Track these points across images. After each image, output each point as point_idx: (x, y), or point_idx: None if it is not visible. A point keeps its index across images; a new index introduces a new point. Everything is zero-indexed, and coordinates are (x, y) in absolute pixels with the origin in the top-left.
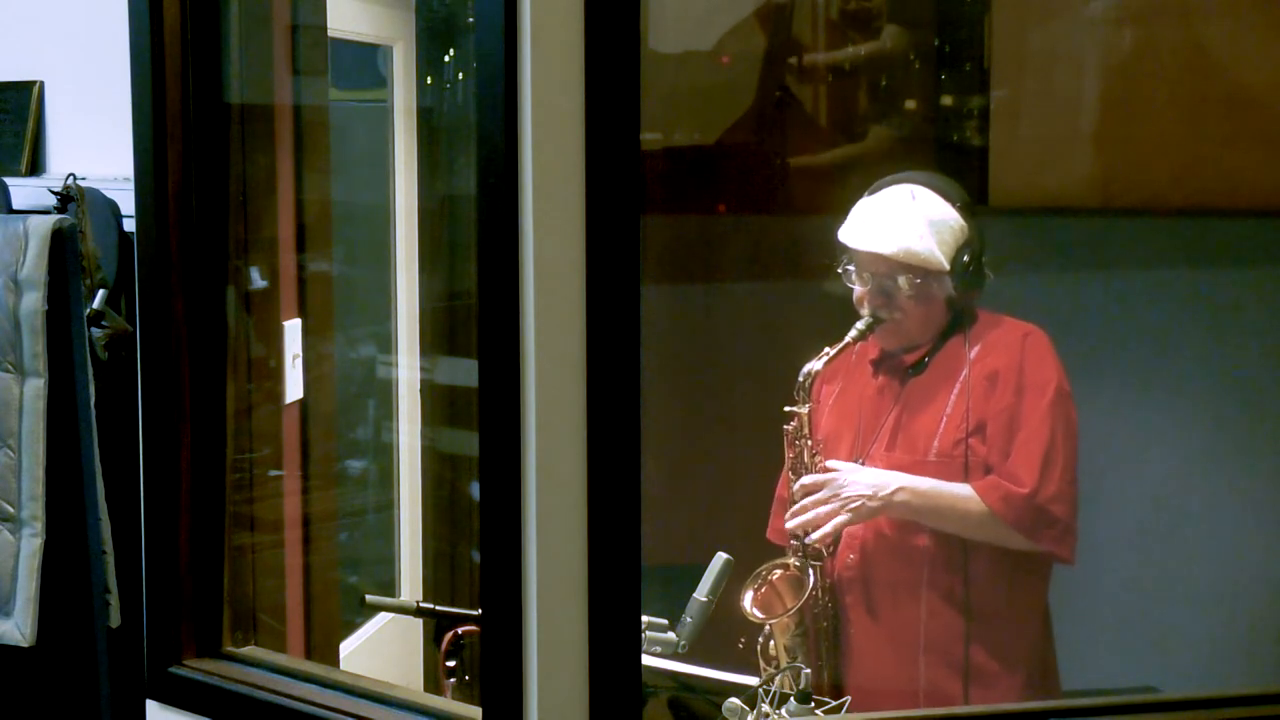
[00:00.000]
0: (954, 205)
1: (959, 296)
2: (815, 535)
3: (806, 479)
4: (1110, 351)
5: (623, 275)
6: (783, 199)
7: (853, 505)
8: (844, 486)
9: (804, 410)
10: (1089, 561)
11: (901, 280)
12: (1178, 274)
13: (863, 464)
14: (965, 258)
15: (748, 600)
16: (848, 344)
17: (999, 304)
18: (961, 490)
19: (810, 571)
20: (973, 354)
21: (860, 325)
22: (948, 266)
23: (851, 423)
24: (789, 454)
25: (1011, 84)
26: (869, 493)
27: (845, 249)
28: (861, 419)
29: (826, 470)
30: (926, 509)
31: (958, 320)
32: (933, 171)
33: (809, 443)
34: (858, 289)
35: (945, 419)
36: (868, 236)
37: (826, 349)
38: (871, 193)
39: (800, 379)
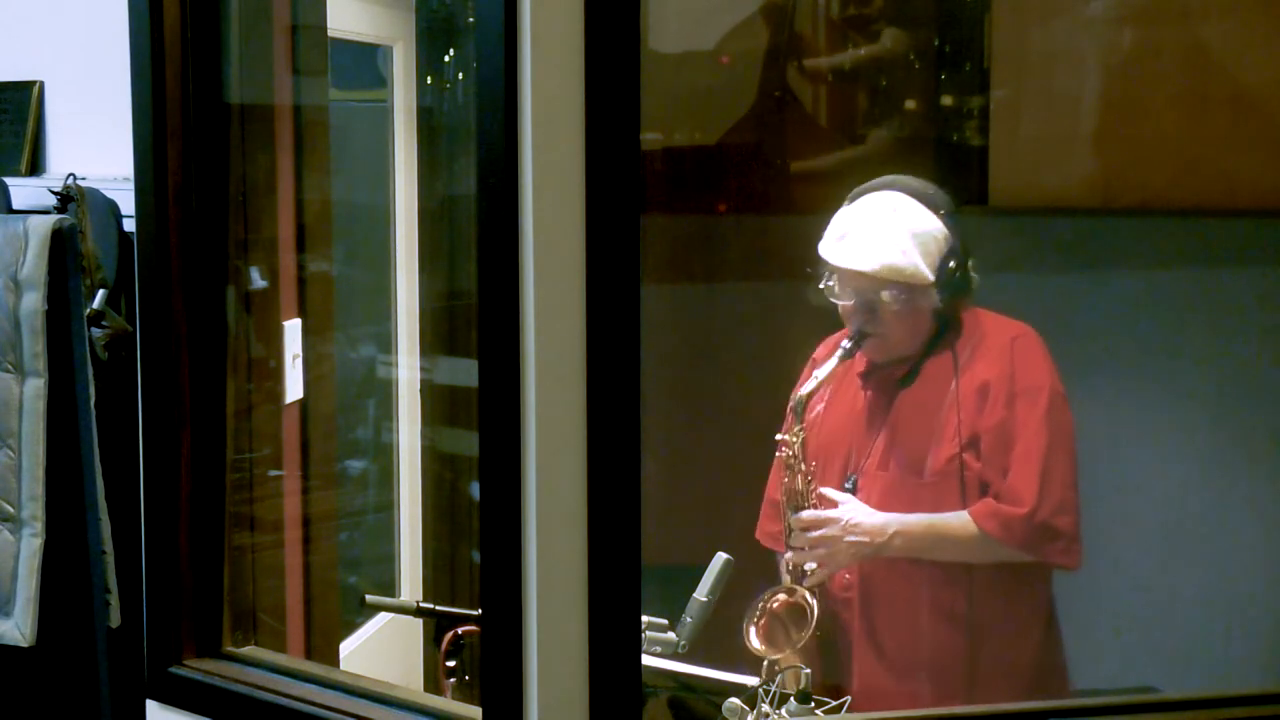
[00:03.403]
0: (937, 213)
1: (945, 306)
2: (811, 580)
3: (805, 515)
4: (1110, 352)
5: (623, 275)
6: (783, 199)
7: (852, 551)
8: (844, 532)
9: (796, 439)
10: (1090, 562)
11: (885, 295)
12: (1178, 274)
13: (856, 481)
14: (950, 266)
15: (752, 635)
16: (835, 365)
17: (997, 304)
18: (957, 519)
19: (813, 600)
20: (961, 362)
21: (846, 344)
22: (932, 278)
23: (843, 437)
24: (783, 478)
25: (1011, 84)
26: (865, 539)
27: (827, 263)
28: (853, 433)
29: (822, 498)
30: (925, 546)
31: (945, 328)
32: (916, 175)
33: (803, 468)
34: (841, 303)
35: (938, 435)
36: (848, 254)
37: (815, 372)
38: (851, 200)
39: (791, 404)
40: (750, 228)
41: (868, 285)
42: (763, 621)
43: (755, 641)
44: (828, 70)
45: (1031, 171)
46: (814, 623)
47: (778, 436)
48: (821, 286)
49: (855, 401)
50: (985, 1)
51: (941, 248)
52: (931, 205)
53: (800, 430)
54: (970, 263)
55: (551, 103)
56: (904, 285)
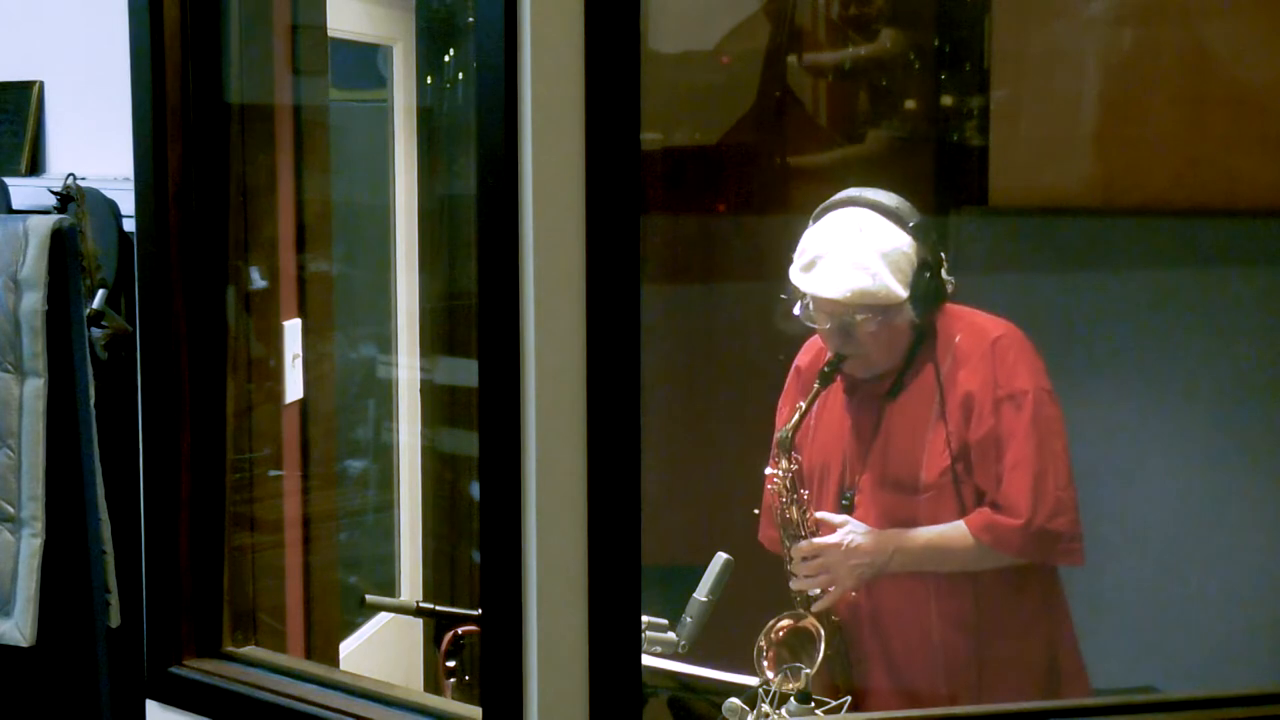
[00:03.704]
0: (905, 227)
1: (921, 318)
2: (818, 606)
3: (804, 546)
4: (1110, 352)
5: (623, 275)
6: (783, 199)
7: (856, 574)
8: (845, 558)
9: (785, 474)
10: (1091, 562)
11: (860, 317)
12: (1178, 274)
13: (853, 497)
14: (925, 276)
15: (765, 667)
16: (817, 393)
17: (998, 304)
18: (956, 532)
19: (820, 627)
20: (944, 371)
21: (825, 369)
22: (905, 295)
23: (836, 453)
24: (774, 504)
25: (1011, 84)
26: (866, 561)
27: (799, 289)
28: (845, 449)
29: (820, 523)
30: (925, 560)
31: (923, 337)
32: (877, 188)
33: (795, 496)
34: (817, 327)
35: (928, 447)
36: (819, 282)
37: (799, 404)
38: (815, 219)
39: (776, 439)
40: (750, 228)
41: (841, 310)
42: (770, 653)
43: (770, 674)
44: (828, 70)
45: (1031, 171)
46: (823, 646)
47: (766, 471)
48: (796, 313)
49: (843, 418)
50: (985, 1)
51: (912, 262)
52: (898, 219)
53: (788, 467)
54: (944, 268)
55: (551, 103)
56: (878, 307)
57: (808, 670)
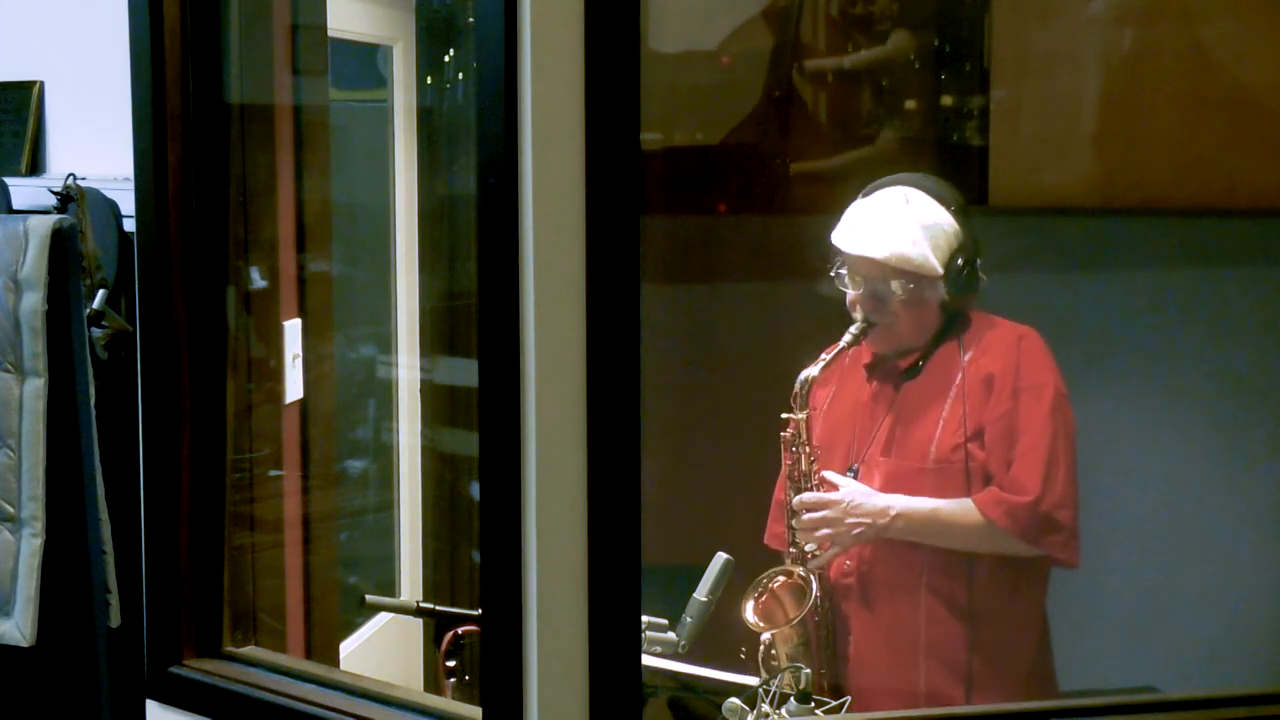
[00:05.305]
0: (948, 209)
1: (952, 300)
2: (814, 563)
3: (807, 496)
4: (1110, 352)
5: (623, 275)
6: (783, 199)
7: (855, 532)
8: (845, 514)
9: (801, 417)
10: (1090, 562)
11: (894, 284)
12: (1178, 274)
13: (858, 470)
14: (959, 261)
15: (749, 610)
16: (842, 349)
17: (998, 304)
18: (961, 506)
19: (813, 579)
20: (967, 357)
21: (853, 330)
22: (941, 271)
23: (846, 427)
24: (786, 460)
25: (1011, 84)
26: (868, 521)
27: (838, 252)
28: (856, 424)
29: (824, 481)
30: (928, 530)
31: (951, 323)
32: (928, 173)
33: (807, 449)
34: (850, 292)
35: (941, 424)
36: (860, 240)
37: (822, 355)
38: (865, 195)
39: (797, 386)
40: (751, 228)
41: (877, 273)
42: (763, 599)
43: (752, 616)
44: (830, 71)
45: (1031, 171)
46: (811, 601)
47: (783, 415)
48: (831, 275)
49: (860, 394)
50: (985, 1)
51: (951, 242)
52: (943, 201)
53: (806, 411)
54: (979, 262)
55: (551, 103)
56: (912, 275)
57: (807, 670)
